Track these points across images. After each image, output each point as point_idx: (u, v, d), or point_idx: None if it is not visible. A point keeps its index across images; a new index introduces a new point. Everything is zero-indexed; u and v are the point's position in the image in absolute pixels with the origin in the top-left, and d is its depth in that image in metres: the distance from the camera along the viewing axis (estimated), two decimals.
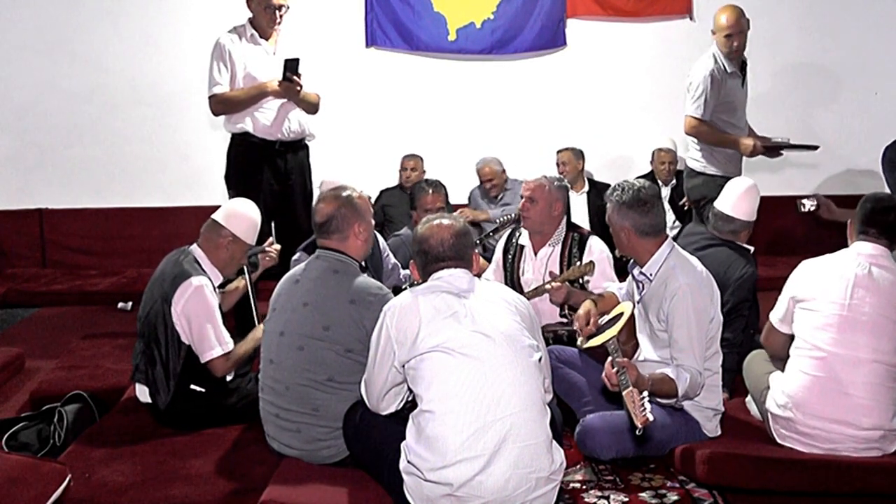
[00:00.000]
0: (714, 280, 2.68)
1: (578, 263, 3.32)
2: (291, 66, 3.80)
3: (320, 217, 2.67)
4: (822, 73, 5.86)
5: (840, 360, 2.51)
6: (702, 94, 3.91)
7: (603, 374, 2.30)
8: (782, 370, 2.69)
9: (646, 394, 2.15)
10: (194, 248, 2.98)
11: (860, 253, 2.63)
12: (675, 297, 2.54)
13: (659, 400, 2.65)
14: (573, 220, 4.99)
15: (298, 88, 3.86)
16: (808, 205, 3.73)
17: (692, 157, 4.10)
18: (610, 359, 2.33)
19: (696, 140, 4.05)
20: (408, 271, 3.56)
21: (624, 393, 2.17)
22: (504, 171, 5.25)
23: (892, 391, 2.52)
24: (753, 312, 3.23)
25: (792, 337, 2.68)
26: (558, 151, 5.40)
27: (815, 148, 4.41)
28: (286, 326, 2.57)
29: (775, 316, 2.78)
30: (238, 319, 3.79)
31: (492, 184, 5.21)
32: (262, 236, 3.55)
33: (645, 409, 2.09)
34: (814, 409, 2.51)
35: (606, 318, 2.83)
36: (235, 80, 3.85)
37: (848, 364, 2.51)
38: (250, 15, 3.93)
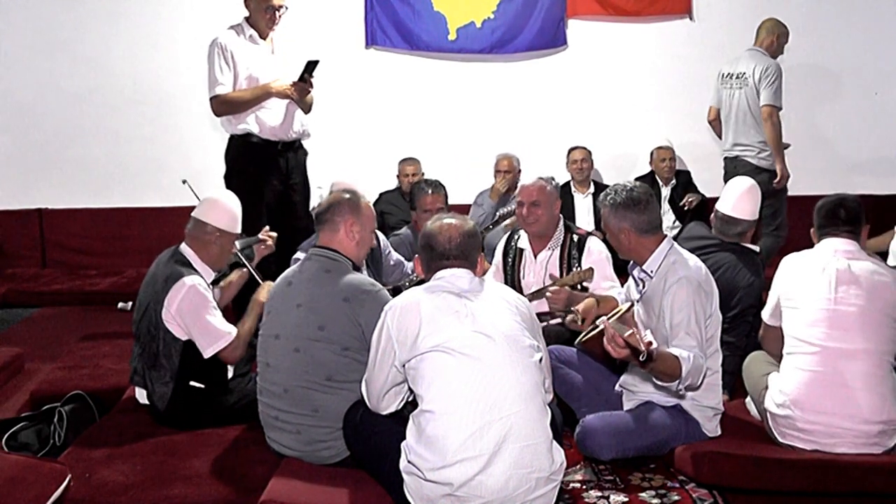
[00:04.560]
0: (713, 281, 2.68)
1: (578, 269, 3.30)
2: (311, 67, 3.82)
3: (320, 207, 2.71)
4: (822, 73, 5.86)
5: (834, 354, 2.55)
6: (780, 85, 4.51)
7: (605, 341, 2.22)
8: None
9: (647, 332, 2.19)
10: (183, 247, 2.99)
11: (836, 249, 2.71)
12: (673, 289, 2.54)
13: (661, 401, 2.66)
14: (579, 222, 5.04)
15: (310, 90, 3.87)
16: None
17: (759, 154, 4.58)
18: (608, 324, 2.27)
19: (750, 141, 4.57)
20: (412, 264, 3.56)
21: (626, 336, 2.16)
22: (520, 170, 5.24)
23: (888, 381, 2.55)
24: (758, 316, 3.23)
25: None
26: (572, 149, 5.42)
27: (786, 146, 4.77)
28: (281, 329, 2.57)
29: (766, 314, 2.86)
30: (239, 313, 3.79)
31: (511, 175, 5.12)
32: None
33: (647, 336, 2.15)
34: (812, 404, 2.53)
35: (605, 318, 2.83)
36: (238, 80, 3.84)
37: (842, 357, 2.54)
38: (246, 14, 3.92)
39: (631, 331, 2.17)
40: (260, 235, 3.38)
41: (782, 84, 4.52)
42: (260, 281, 3.25)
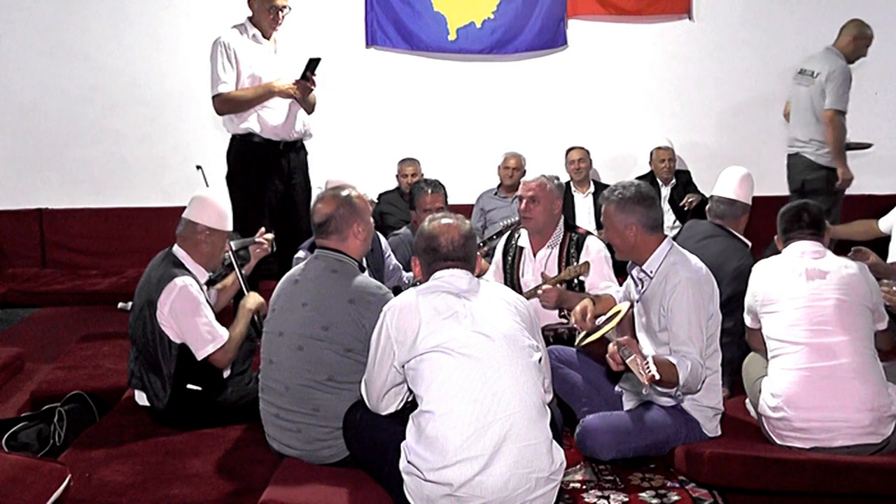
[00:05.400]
0: (714, 279, 2.68)
1: (574, 264, 3.31)
2: (313, 65, 3.82)
3: (319, 217, 2.67)
4: None
5: (818, 349, 2.59)
6: (846, 89, 4.52)
7: (608, 356, 2.29)
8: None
9: (650, 358, 2.18)
10: (176, 248, 2.99)
11: (803, 251, 2.80)
12: (675, 291, 2.55)
13: (661, 401, 2.66)
14: (579, 221, 5.05)
15: (312, 88, 3.87)
16: None
17: (817, 151, 4.62)
18: (612, 343, 2.32)
19: (806, 137, 4.64)
20: (410, 274, 3.56)
21: (628, 360, 2.19)
22: (525, 170, 5.26)
23: (873, 367, 2.59)
24: None
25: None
26: (570, 149, 5.43)
27: (868, 146, 4.97)
28: (285, 327, 2.57)
29: (747, 318, 2.91)
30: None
31: (518, 173, 5.20)
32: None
33: (650, 368, 2.14)
34: (805, 401, 2.55)
35: (603, 318, 2.84)
36: (240, 79, 3.85)
37: (826, 350, 2.59)
38: (249, 13, 3.92)
39: (634, 356, 2.17)
40: (256, 237, 3.38)
41: (849, 87, 4.55)
42: (244, 287, 3.25)
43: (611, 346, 2.29)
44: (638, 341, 2.73)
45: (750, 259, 3.14)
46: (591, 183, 5.42)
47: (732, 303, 3.01)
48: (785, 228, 2.91)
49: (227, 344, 2.86)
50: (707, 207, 3.40)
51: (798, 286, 2.70)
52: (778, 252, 2.95)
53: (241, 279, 3.27)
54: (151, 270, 2.94)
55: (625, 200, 2.67)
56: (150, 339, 2.84)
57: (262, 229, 3.46)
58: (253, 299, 3.09)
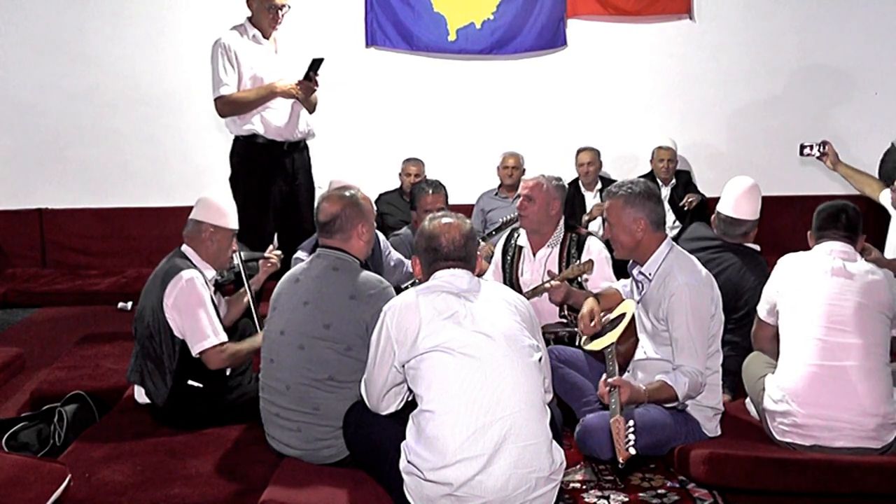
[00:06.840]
0: (715, 282, 2.68)
1: (577, 262, 3.32)
2: (316, 65, 3.82)
3: (324, 216, 2.67)
4: (822, 72, 5.86)
5: (832, 348, 2.58)
6: None
7: (598, 393, 2.35)
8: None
9: (631, 423, 2.14)
10: (184, 247, 3.02)
11: (832, 250, 2.77)
12: (674, 297, 2.55)
13: None
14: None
15: (315, 88, 3.87)
16: (815, 150, 3.69)
17: None
18: (604, 377, 2.35)
19: None
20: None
21: (611, 421, 2.17)
22: (524, 169, 5.26)
23: (884, 375, 2.58)
24: None
25: (778, 331, 2.78)
26: (579, 151, 5.40)
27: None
28: (287, 325, 2.57)
29: (762, 311, 2.87)
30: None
31: (517, 172, 5.21)
32: (269, 237, 3.51)
33: (629, 441, 2.10)
34: (811, 397, 2.55)
35: (611, 316, 2.84)
36: (242, 80, 3.84)
37: (840, 350, 2.58)
38: (249, 14, 3.92)
39: (617, 418, 2.16)
40: (266, 253, 3.39)
41: None
42: (251, 298, 3.25)
43: (602, 383, 2.34)
44: (638, 341, 2.74)
45: (766, 273, 3.08)
46: (599, 181, 5.41)
47: (744, 318, 3.02)
48: (820, 226, 2.85)
49: (224, 346, 2.85)
50: (712, 219, 3.34)
51: (822, 283, 2.68)
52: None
53: (248, 289, 3.28)
54: (160, 267, 2.96)
55: (634, 195, 2.66)
56: (154, 332, 2.84)
57: (272, 245, 3.45)
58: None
